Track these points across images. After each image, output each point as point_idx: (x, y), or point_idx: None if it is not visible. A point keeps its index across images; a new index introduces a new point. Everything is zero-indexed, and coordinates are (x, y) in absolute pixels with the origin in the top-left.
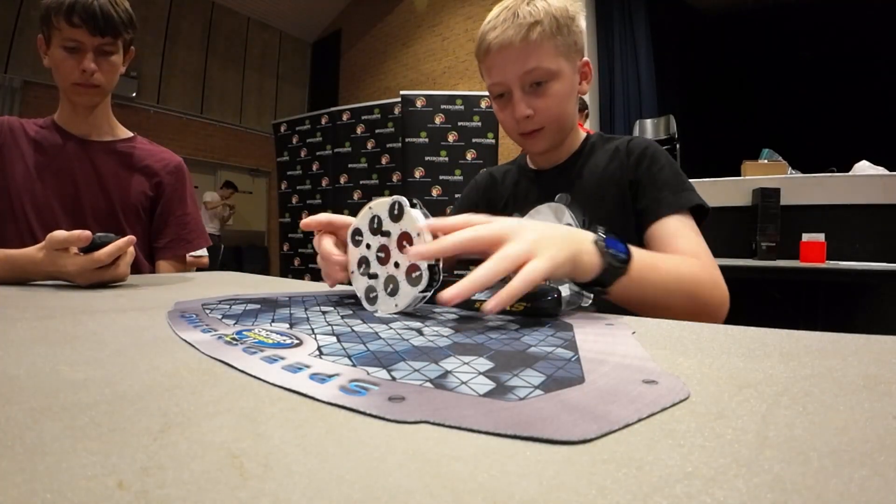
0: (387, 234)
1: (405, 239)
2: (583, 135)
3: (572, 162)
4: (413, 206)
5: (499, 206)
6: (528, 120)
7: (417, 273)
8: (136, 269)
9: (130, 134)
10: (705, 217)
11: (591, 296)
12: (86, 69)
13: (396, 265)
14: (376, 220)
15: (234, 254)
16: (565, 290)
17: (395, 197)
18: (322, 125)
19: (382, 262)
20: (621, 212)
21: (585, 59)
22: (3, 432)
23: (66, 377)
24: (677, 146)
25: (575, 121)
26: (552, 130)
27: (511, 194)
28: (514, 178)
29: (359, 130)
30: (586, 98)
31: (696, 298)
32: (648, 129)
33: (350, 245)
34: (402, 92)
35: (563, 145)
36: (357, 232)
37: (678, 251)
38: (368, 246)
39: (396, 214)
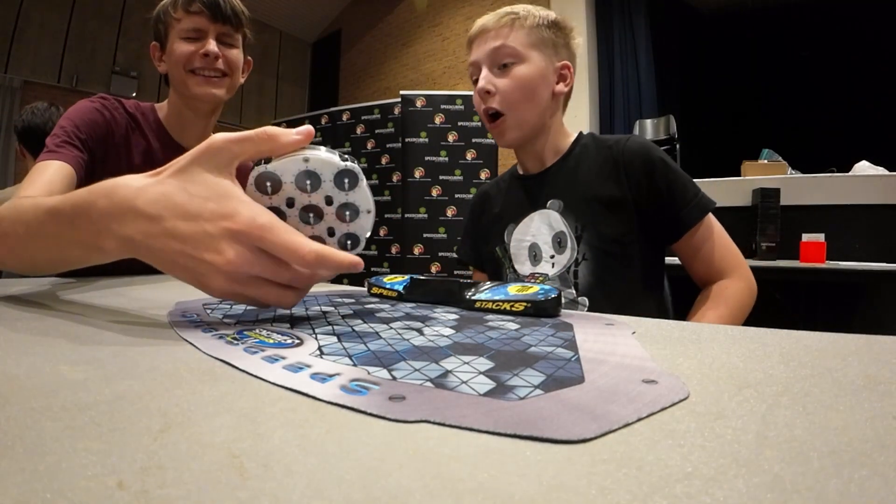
0: (329, 201)
1: (347, 209)
2: (573, 137)
3: (560, 165)
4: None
5: (494, 218)
6: (488, 96)
7: (351, 243)
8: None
9: None
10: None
11: (587, 303)
12: (209, 52)
13: (331, 233)
14: (313, 179)
15: None
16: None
17: (345, 162)
18: (322, 125)
19: (306, 222)
20: (617, 217)
21: (567, 62)
22: (3, 432)
23: (66, 377)
24: (677, 146)
25: (549, 119)
26: (514, 120)
27: (504, 204)
28: (506, 186)
29: (359, 130)
30: (586, 98)
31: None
32: (648, 129)
33: (254, 191)
34: (402, 92)
35: (543, 146)
36: (271, 179)
37: (717, 262)
38: (291, 201)
39: (348, 184)
